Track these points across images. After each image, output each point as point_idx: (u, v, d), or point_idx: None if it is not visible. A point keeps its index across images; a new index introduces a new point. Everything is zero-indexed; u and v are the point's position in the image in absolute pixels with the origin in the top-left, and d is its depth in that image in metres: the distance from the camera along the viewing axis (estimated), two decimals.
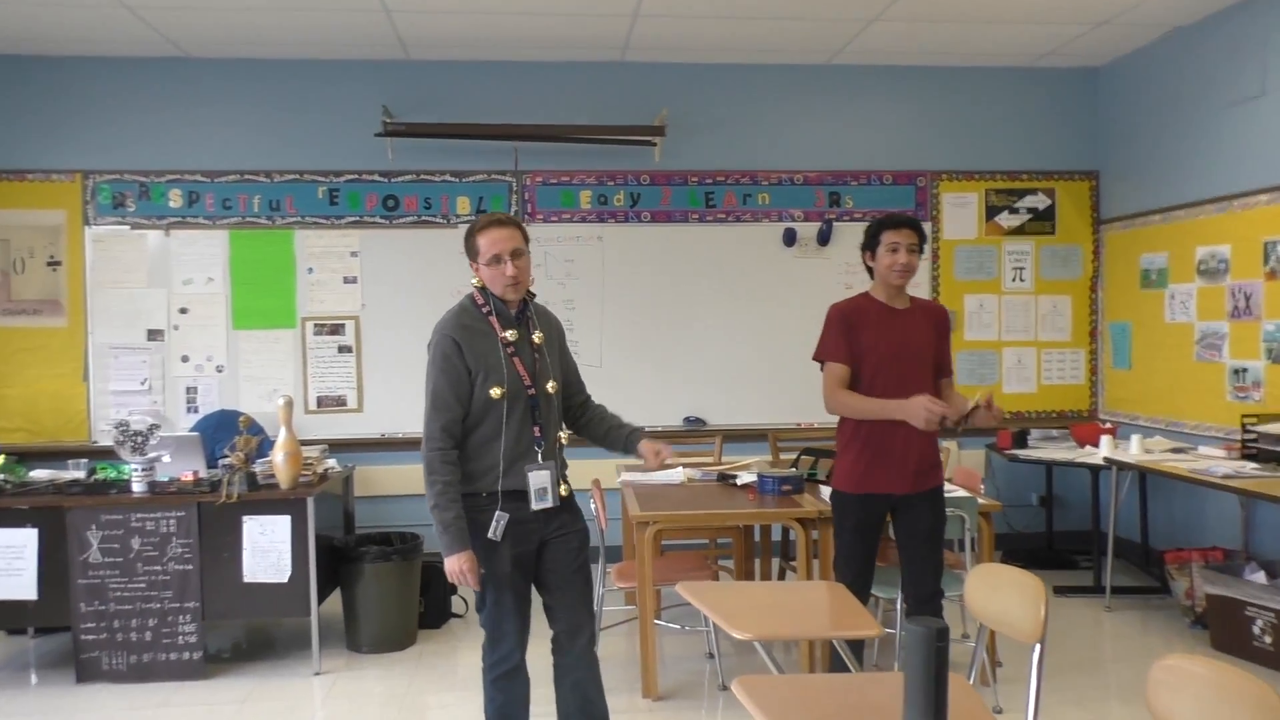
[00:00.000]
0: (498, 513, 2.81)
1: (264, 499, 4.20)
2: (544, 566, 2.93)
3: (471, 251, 2.88)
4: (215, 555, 4.19)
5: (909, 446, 3.38)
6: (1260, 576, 4.42)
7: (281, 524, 4.20)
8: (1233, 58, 5.20)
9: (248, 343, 5.94)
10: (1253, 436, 4.73)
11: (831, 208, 6.30)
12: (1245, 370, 5.13)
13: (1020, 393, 6.46)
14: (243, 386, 5.92)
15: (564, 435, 3.03)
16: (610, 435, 3.11)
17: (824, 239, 6.24)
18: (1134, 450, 5.16)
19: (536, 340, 2.94)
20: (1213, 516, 5.40)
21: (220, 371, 5.92)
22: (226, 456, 4.25)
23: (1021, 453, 5.63)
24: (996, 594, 2.54)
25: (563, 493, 2.93)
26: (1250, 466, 4.50)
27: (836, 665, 3.42)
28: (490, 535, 2.80)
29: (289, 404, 4.25)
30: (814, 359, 3.53)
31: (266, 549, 4.19)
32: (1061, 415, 6.47)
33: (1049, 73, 6.39)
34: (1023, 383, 6.48)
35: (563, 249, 6.12)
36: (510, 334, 2.88)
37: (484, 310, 2.90)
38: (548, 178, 6.13)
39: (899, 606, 3.74)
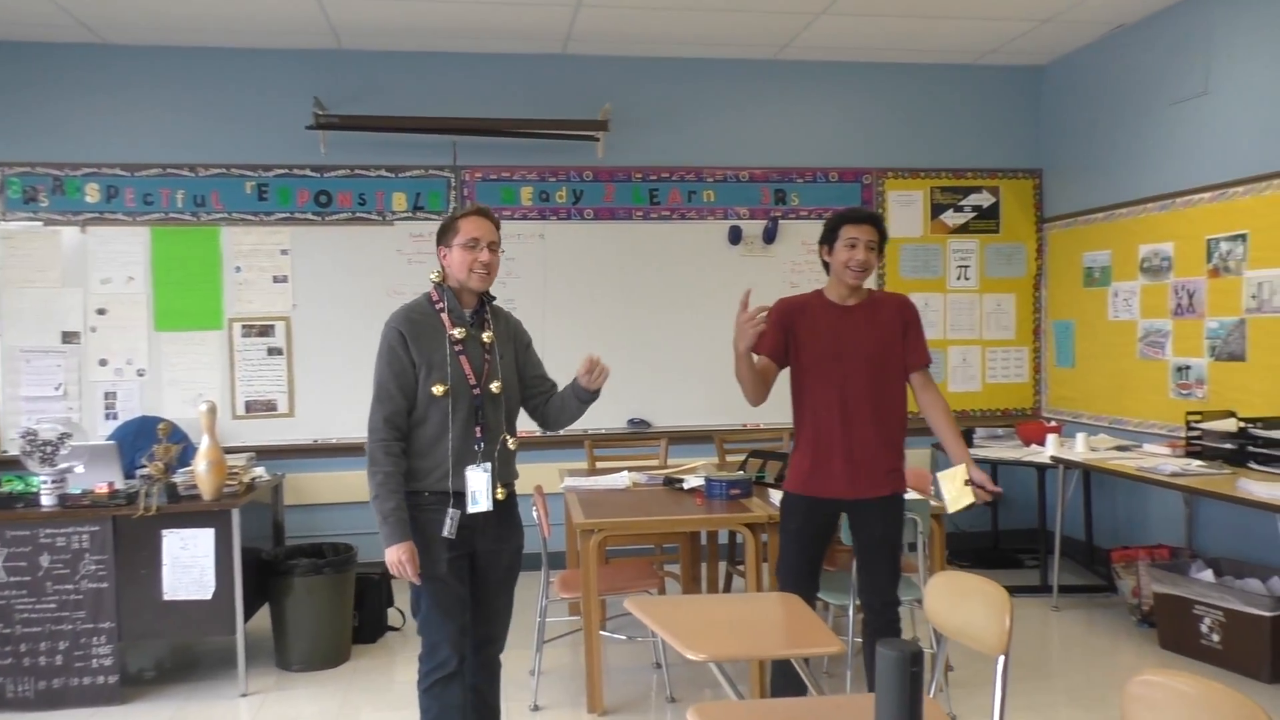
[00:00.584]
0: (450, 510, 2.76)
1: (185, 511, 3.96)
2: (473, 575, 2.89)
3: (447, 234, 2.86)
4: (132, 572, 3.94)
5: (859, 449, 3.23)
6: (1208, 575, 4.41)
7: (204, 537, 3.97)
8: (1176, 56, 5.21)
9: (171, 345, 5.66)
10: (1197, 434, 4.73)
11: (777, 205, 6.21)
12: (1188, 368, 5.14)
13: (965, 391, 6.44)
14: (165, 391, 5.64)
15: (512, 441, 2.94)
16: (555, 403, 3.06)
17: (770, 237, 6.14)
18: (1080, 448, 5.14)
19: (486, 340, 2.89)
20: (1156, 514, 5.41)
21: (141, 376, 5.63)
22: (144, 466, 4.01)
23: (971, 453, 5.57)
24: (959, 604, 2.43)
25: (499, 496, 2.85)
26: (1195, 464, 4.49)
27: (779, 675, 3.31)
28: (445, 533, 2.75)
29: (212, 409, 4.01)
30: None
31: (188, 564, 3.95)
32: (1006, 414, 6.46)
33: (993, 70, 6.37)
34: (968, 381, 6.45)
35: (504, 246, 5.91)
36: (459, 331, 2.83)
37: (437, 306, 2.87)
38: (488, 173, 5.94)
39: (850, 614, 3.64)
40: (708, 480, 4.22)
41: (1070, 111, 6.14)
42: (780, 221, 6.15)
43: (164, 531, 3.95)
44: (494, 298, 2.99)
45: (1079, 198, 6.07)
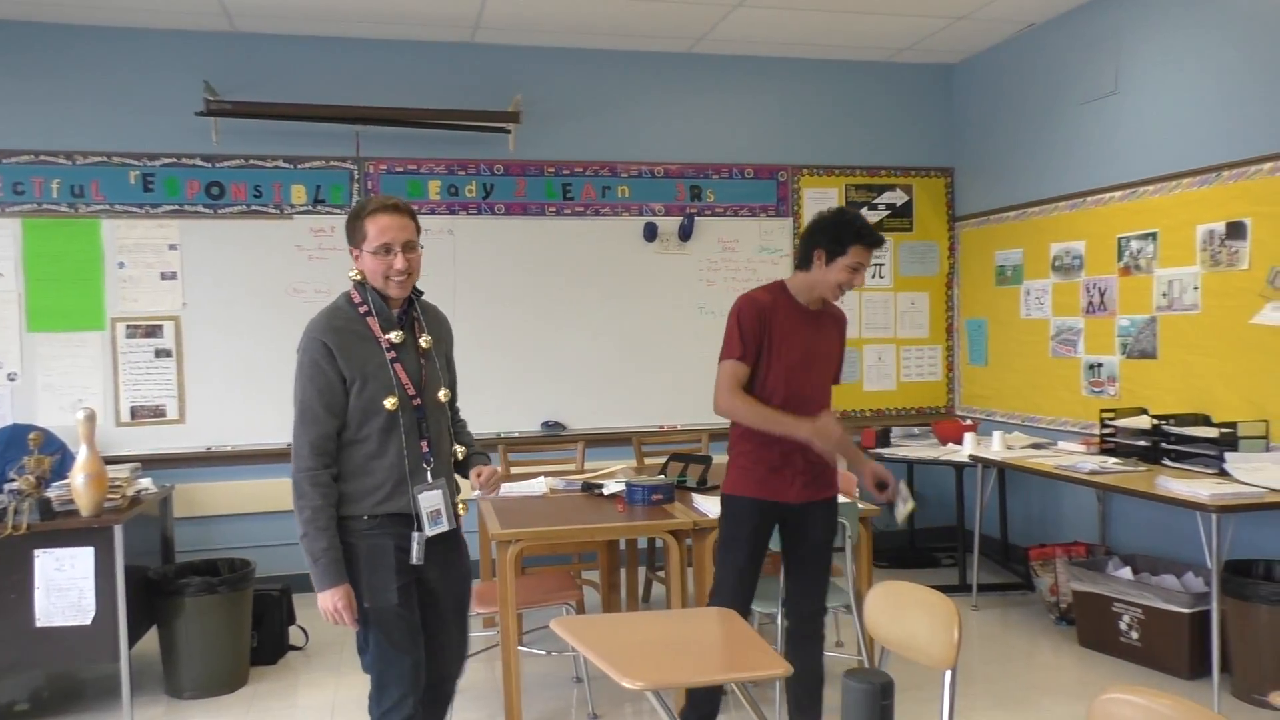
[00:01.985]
0: (413, 534, 2.49)
1: (61, 529, 3.62)
2: (421, 607, 2.58)
3: (355, 236, 2.54)
4: (0, 597, 3.58)
5: (805, 452, 3.11)
6: (1126, 572, 4.44)
7: (83, 557, 3.63)
8: (1086, 55, 5.25)
9: (46, 347, 5.23)
10: (1110, 431, 4.77)
11: (693, 202, 6.09)
12: (1100, 365, 5.19)
13: (881, 390, 6.42)
14: (40, 397, 5.21)
15: (459, 450, 2.69)
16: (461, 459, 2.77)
17: (685, 234, 6.02)
18: (996, 447, 5.15)
19: (424, 345, 2.61)
20: (1070, 511, 5.45)
21: (13, 380, 5.19)
22: (14, 480, 3.65)
23: (886, 451, 5.55)
24: (902, 615, 2.32)
25: (461, 511, 2.61)
26: (1112, 461, 4.52)
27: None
28: (415, 560, 2.49)
29: (91, 417, 3.68)
30: (722, 359, 3.13)
31: (64, 587, 3.61)
32: (920, 412, 6.46)
33: (907, 68, 6.37)
34: (883, 380, 6.44)
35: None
36: (395, 336, 2.54)
37: (361, 310, 2.55)
38: (393, 166, 5.66)
39: (779, 623, 3.51)
40: (629, 486, 4.06)
41: (982, 110, 6.18)
42: (696, 218, 6.03)
43: (37, 551, 3.61)
44: (421, 293, 2.68)
45: (991, 196, 6.11)
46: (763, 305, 3.06)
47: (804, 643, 3.21)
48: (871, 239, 3.00)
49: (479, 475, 2.66)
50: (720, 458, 4.45)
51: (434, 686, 2.64)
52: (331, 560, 2.42)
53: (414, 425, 2.53)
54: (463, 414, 2.90)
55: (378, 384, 2.48)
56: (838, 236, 2.99)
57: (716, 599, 3.14)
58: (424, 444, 2.54)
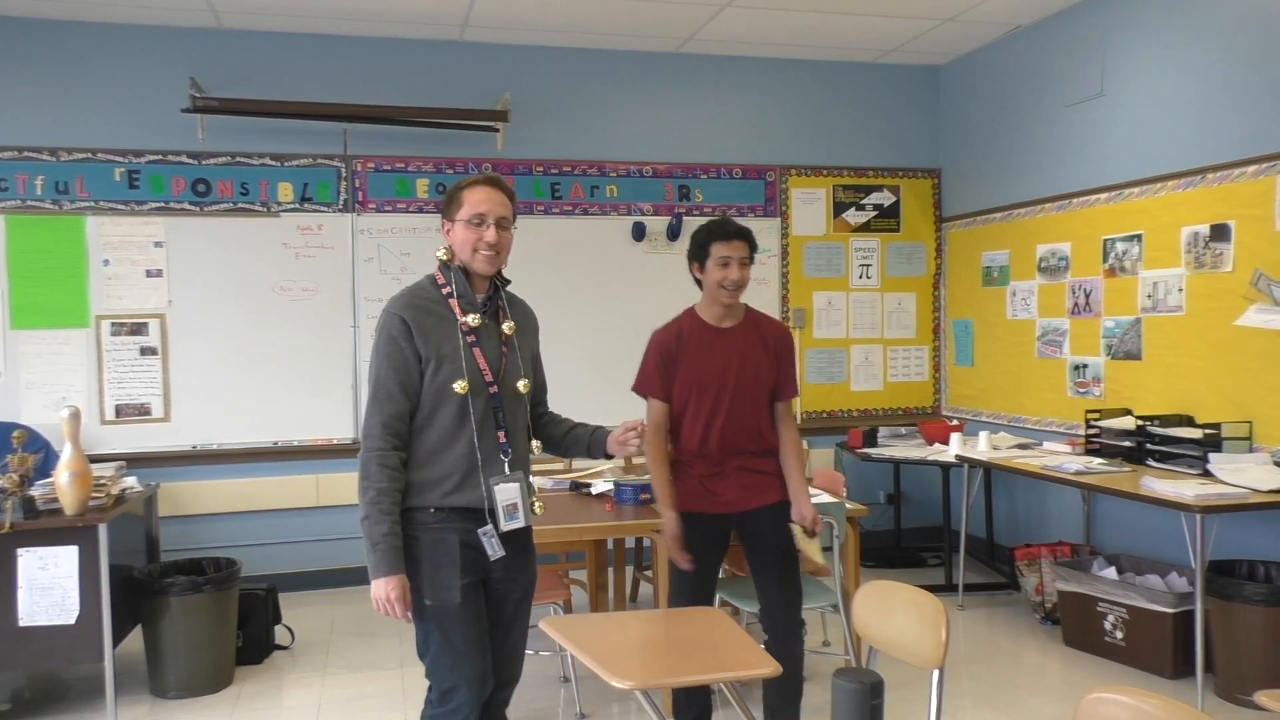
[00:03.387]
0: (486, 528, 2.39)
1: (45, 527, 3.59)
2: (486, 604, 2.48)
3: (451, 206, 2.48)
4: None
5: (743, 466, 3.18)
6: (1110, 572, 4.46)
7: (66, 556, 3.61)
8: (1072, 58, 5.28)
9: (30, 345, 5.19)
10: (1096, 432, 4.79)
11: (681, 201, 6.09)
12: (1086, 366, 5.22)
13: (868, 390, 6.44)
14: (24, 395, 5.17)
15: (536, 445, 2.62)
16: (570, 437, 2.69)
17: (674, 234, 6.02)
18: (982, 447, 5.17)
19: (506, 331, 2.54)
20: (1055, 511, 5.48)
21: None
22: None
23: (873, 451, 5.57)
24: (891, 616, 2.32)
25: (537, 510, 2.51)
26: (1097, 461, 4.54)
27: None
28: (493, 555, 2.41)
29: (75, 415, 3.65)
30: (632, 390, 3.28)
31: (48, 586, 3.58)
32: (907, 412, 6.48)
33: (894, 69, 6.39)
34: (870, 380, 6.45)
35: (398, 241, 5.65)
36: (473, 319, 2.46)
37: (444, 290, 2.48)
38: (381, 163, 5.65)
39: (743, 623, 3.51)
40: (617, 485, 4.06)
41: (968, 112, 6.20)
42: (684, 218, 6.03)
43: (20, 550, 3.58)
44: (509, 281, 2.63)
45: (977, 198, 6.13)
46: (665, 339, 3.20)
47: (779, 649, 3.20)
48: (724, 231, 3.12)
49: (630, 428, 2.54)
50: None
51: (494, 692, 2.54)
52: (390, 547, 2.31)
53: (489, 413, 2.44)
54: None
55: (453, 367, 2.39)
56: (698, 242, 3.15)
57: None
58: (501, 434, 2.44)
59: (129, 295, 5.32)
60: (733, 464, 3.15)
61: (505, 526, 2.43)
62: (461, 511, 2.41)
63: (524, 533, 2.53)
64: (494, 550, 2.42)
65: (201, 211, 5.41)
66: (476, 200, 2.45)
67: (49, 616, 3.60)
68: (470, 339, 2.45)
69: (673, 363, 3.16)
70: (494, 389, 2.45)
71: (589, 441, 2.65)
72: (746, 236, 3.14)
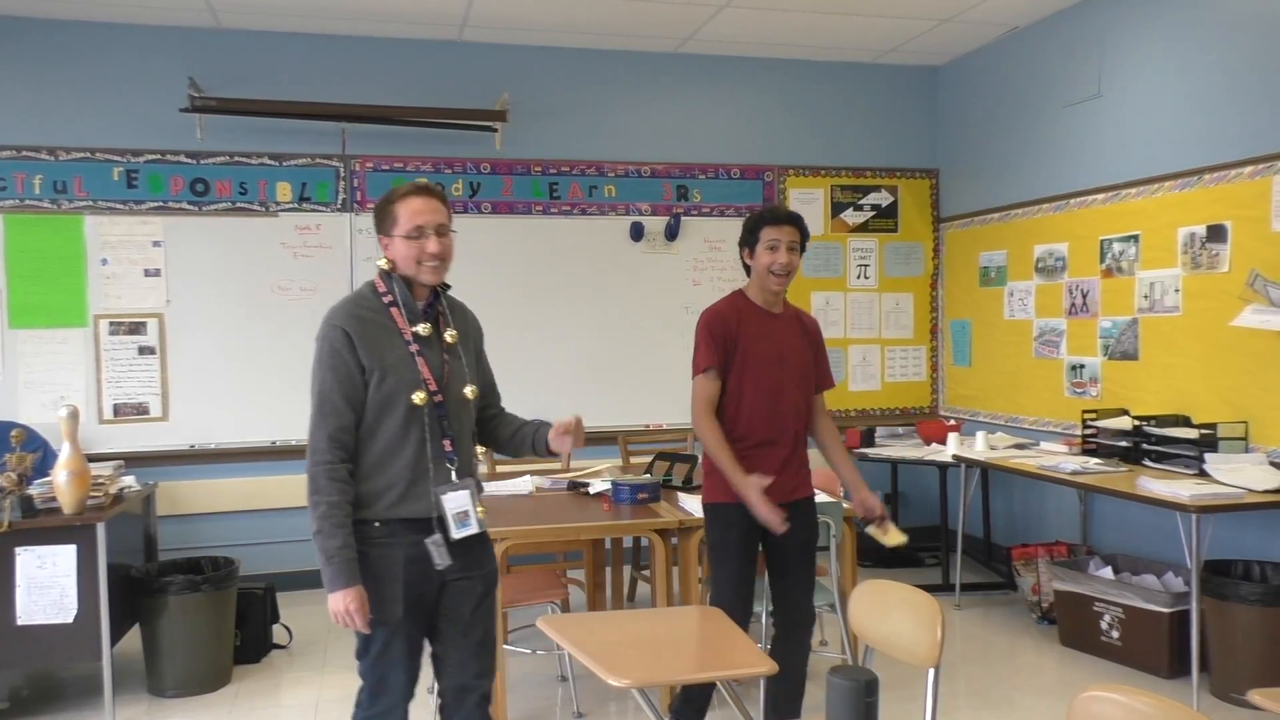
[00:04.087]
0: (433, 537, 2.38)
1: (43, 526, 3.60)
2: (439, 611, 2.48)
3: (385, 222, 2.44)
4: None
5: (795, 455, 3.18)
6: (1107, 572, 4.47)
7: (65, 555, 3.61)
8: (1070, 59, 5.29)
9: (28, 344, 5.20)
10: (1092, 432, 4.80)
11: (679, 201, 6.10)
12: (1083, 366, 5.23)
13: (865, 390, 6.45)
14: (22, 394, 5.18)
15: (480, 451, 2.62)
16: (517, 436, 2.69)
17: (672, 234, 6.03)
18: (980, 447, 5.18)
19: (449, 339, 2.51)
20: (1052, 511, 5.49)
21: None
22: None
23: (871, 451, 5.58)
24: (886, 614, 2.33)
25: (482, 515, 2.50)
26: (1093, 462, 4.55)
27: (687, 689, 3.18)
28: (439, 564, 2.39)
29: (74, 415, 3.65)
30: (695, 373, 3.20)
31: (46, 585, 3.59)
32: (904, 412, 6.49)
33: (892, 70, 6.40)
34: (867, 380, 6.46)
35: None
36: (422, 329, 2.45)
37: (385, 299, 2.46)
38: (379, 163, 5.65)
39: (763, 622, 3.52)
40: (614, 484, 4.06)
41: (966, 112, 6.21)
42: (682, 218, 6.04)
43: (18, 549, 3.58)
44: (449, 287, 2.59)
45: (975, 198, 6.14)
46: (724, 313, 3.15)
47: (790, 646, 3.21)
48: (774, 216, 3.13)
49: (566, 430, 2.55)
50: None
51: (458, 696, 2.52)
52: (346, 560, 2.31)
53: (435, 422, 2.43)
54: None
55: (398, 377, 2.39)
56: (748, 228, 3.16)
57: (717, 605, 3.16)
58: (446, 442, 2.44)
59: (127, 294, 5.32)
60: (787, 454, 3.13)
61: (456, 534, 2.42)
62: (407, 523, 2.40)
63: (479, 538, 2.52)
64: (441, 559, 2.41)
65: (200, 211, 5.41)
66: (412, 212, 2.42)
67: (47, 615, 3.60)
68: (414, 348, 2.44)
69: (730, 339, 3.11)
70: (439, 397, 2.44)
71: (533, 439, 2.66)
72: (798, 222, 3.14)
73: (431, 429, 2.42)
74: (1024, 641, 4.61)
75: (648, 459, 4.70)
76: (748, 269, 3.21)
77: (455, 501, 2.41)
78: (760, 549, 3.21)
